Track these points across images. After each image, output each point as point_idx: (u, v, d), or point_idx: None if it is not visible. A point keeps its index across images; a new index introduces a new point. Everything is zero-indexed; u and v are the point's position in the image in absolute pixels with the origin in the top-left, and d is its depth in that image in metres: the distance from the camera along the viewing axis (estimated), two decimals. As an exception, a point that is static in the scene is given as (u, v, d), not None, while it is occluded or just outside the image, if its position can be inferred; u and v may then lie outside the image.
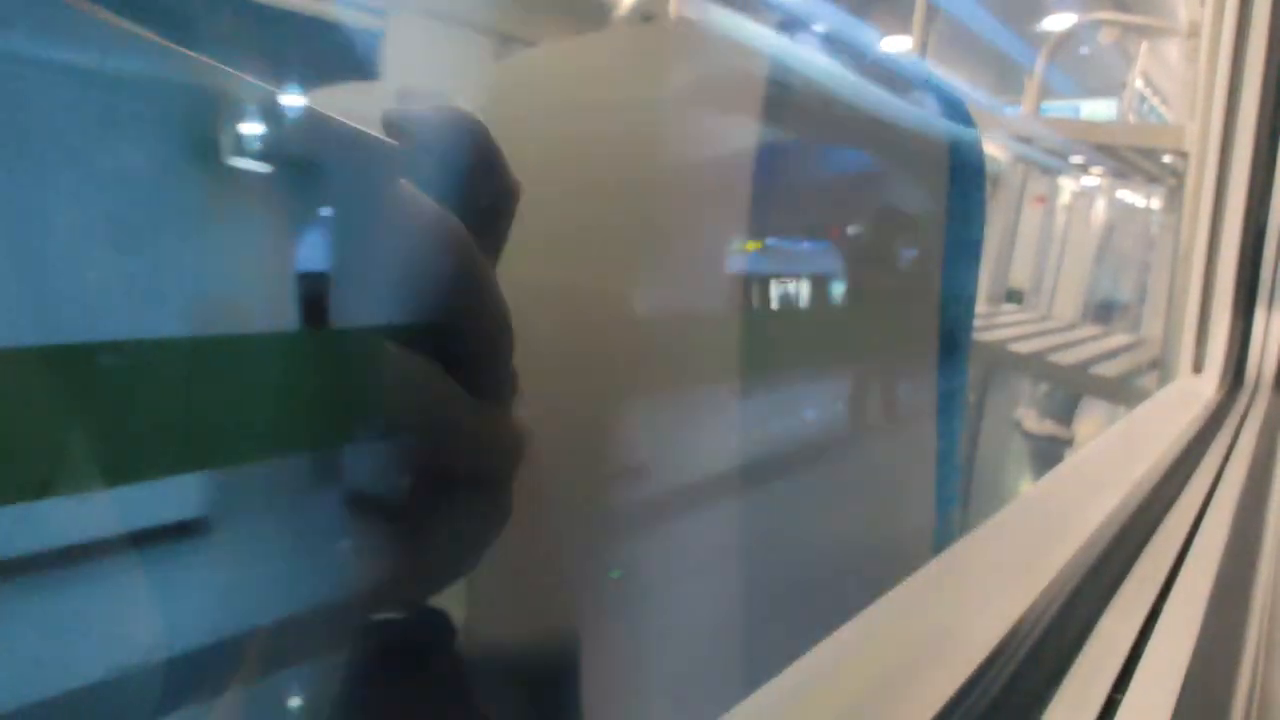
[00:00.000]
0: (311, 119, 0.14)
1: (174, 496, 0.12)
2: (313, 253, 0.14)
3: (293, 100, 0.14)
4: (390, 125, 0.17)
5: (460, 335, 0.15)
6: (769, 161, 0.39)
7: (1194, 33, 1.55)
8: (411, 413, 0.15)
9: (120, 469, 0.12)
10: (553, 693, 0.24)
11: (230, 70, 0.12)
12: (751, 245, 0.39)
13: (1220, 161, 0.87)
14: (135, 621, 0.12)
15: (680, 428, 0.32)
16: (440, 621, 0.18)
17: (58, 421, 0.11)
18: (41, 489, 0.10)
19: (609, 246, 0.31)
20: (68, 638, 0.12)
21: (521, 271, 0.17)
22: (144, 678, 0.12)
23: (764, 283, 0.47)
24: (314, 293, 0.14)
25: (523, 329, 0.16)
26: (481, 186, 0.18)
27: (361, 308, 0.15)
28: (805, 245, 0.52)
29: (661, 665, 0.29)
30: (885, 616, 0.30)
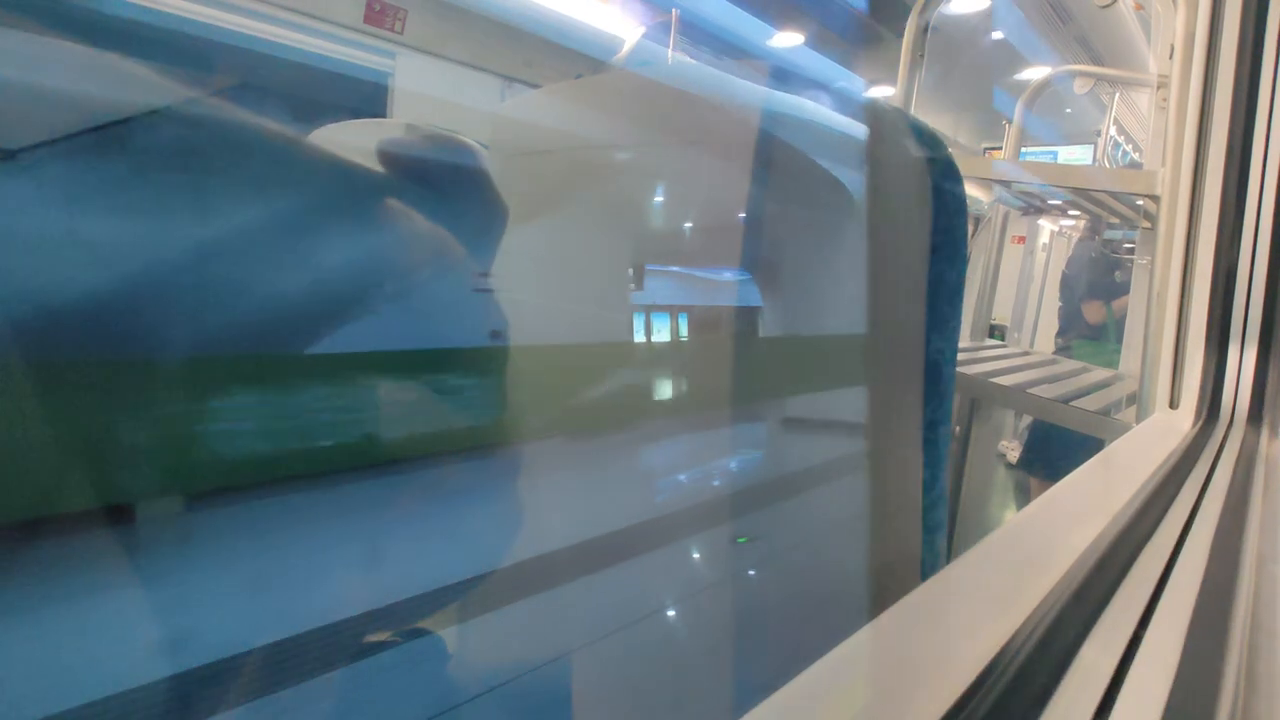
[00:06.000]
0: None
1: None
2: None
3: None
4: (384, 154, 0.19)
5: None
6: (757, 200, 0.40)
7: (1163, 84, 1.62)
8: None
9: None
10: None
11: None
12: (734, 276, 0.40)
13: (1191, 205, 0.90)
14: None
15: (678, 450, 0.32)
16: (434, 645, 0.19)
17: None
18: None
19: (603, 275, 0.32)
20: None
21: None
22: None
23: (748, 313, 0.48)
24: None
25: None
26: (472, 207, 0.19)
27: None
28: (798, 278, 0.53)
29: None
30: (870, 643, 0.30)
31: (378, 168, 0.25)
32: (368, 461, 0.27)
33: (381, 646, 0.26)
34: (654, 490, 0.47)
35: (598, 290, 0.45)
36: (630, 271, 0.43)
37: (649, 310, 0.45)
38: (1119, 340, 1.90)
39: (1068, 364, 1.87)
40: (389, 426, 0.27)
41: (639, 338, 0.46)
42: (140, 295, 0.19)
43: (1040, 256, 3.04)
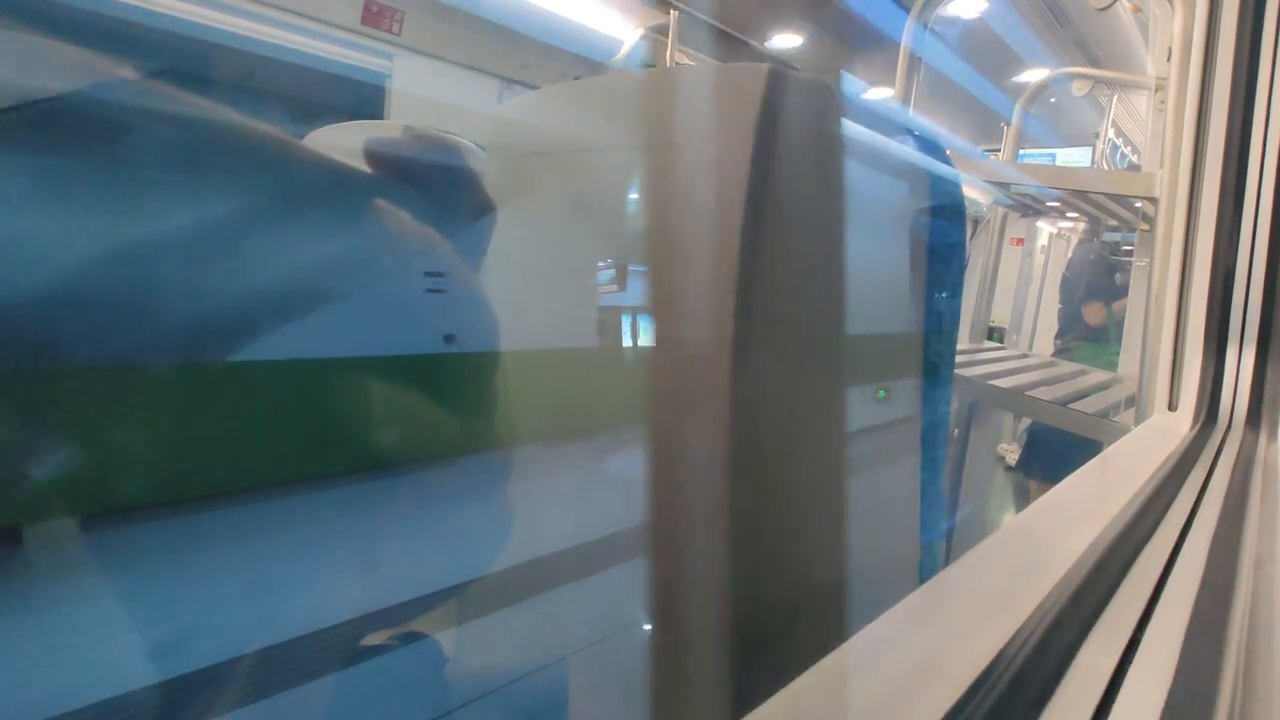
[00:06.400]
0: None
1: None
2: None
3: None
4: (372, 154, 0.19)
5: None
6: (755, 199, 0.40)
7: (1161, 86, 1.62)
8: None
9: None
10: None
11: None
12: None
13: (1189, 207, 0.90)
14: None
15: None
16: (431, 648, 0.19)
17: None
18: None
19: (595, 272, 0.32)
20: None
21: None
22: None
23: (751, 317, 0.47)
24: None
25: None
26: (461, 205, 0.19)
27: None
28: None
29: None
30: (870, 644, 0.30)
31: (367, 168, 0.25)
32: (343, 469, 0.27)
33: (365, 654, 0.26)
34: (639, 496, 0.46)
35: (592, 290, 0.45)
36: (615, 273, 0.43)
37: (636, 312, 0.45)
38: (1119, 342, 1.90)
39: (1066, 366, 1.87)
40: (365, 432, 0.27)
41: (627, 340, 0.46)
42: (68, 299, 0.19)
43: (1039, 258, 3.04)
